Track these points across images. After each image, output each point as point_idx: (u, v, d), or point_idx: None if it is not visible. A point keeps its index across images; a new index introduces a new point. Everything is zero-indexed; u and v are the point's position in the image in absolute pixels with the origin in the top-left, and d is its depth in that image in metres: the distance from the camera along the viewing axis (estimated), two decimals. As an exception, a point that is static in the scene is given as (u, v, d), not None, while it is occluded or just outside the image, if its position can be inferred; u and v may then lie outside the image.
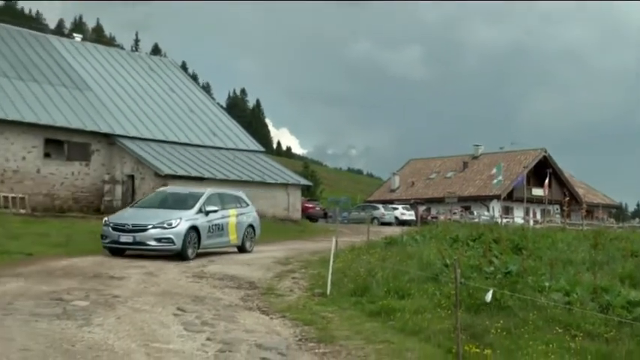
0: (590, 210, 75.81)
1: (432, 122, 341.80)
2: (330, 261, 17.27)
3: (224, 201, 26.63)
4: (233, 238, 26.23)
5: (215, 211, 24.77)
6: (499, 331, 11.47)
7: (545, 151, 78.85)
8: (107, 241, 23.41)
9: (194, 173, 40.91)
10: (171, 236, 22.53)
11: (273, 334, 11.83)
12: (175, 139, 44.29)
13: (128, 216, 24.50)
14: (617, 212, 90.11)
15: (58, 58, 46.52)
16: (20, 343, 9.82)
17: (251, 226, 27.82)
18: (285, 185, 45.69)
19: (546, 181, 72.46)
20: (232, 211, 26.46)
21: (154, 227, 22.78)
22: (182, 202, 25.18)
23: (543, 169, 76.16)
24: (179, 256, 22.55)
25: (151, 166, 40.21)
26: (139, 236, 22.89)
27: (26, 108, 39.94)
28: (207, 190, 26.73)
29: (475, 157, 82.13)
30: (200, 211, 24.50)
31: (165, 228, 22.67)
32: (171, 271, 19.36)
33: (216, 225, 25.07)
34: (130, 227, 23.01)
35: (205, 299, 14.90)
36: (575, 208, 74.06)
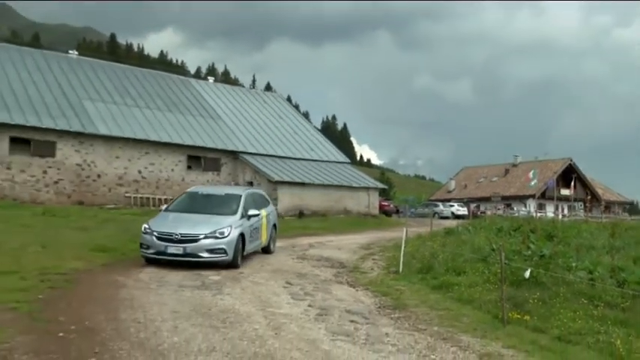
0: (608, 206, 74.02)
1: (480, 138, 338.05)
2: (401, 246, 17.18)
3: (256, 202, 19.73)
4: (264, 239, 19.37)
5: (256, 215, 18.01)
6: (535, 301, 11.26)
7: (571, 160, 77.14)
8: (151, 251, 15.80)
9: (297, 179, 40.93)
10: (223, 246, 15.79)
11: (358, 302, 11.81)
12: (283, 154, 44.33)
13: (172, 223, 16.59)
14: (630, 208, 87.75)
15: (196, 95, 47.23)
16: (171, 307, 10.02)
17: (274, 225, 21.06)
18: (367, 188, 45.35)
19: (572, 183, 71.14)
20: (263, 212, 19.55)
21: (206, 237, 15.84)
22: (222, 205, 17.92)
23: (569, 174, 74.84)
24: (229, 266, 15.92)
25: (264, 174, 40.23)
26: (191, 247, 15.71)
27: (174, 133, 40.70)
28: (245, 192, 19.46)
29: (515, 165, 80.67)
30: (242, 215, 17.46)
31: (217, 238, 15.87)
32: (280, 254, 19.34)
33: (255, 229, 18.26)
34: (179, 237, 15.65)
35: (307, 275, 15.01)
36: (596, 204, 72.41)
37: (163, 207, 18.59)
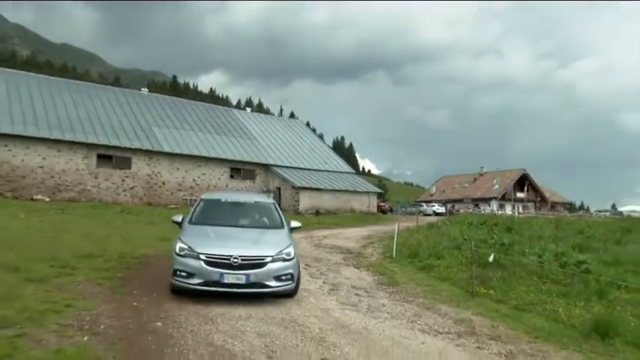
0: (553, 205, 73.64)
1: (455, 154, 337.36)
2: (394, 237, 17.15)
3: None
4: None
5: (298, 227, 10.75)
6: (498, 279, 11.22)
7: (525, 170, 76.60)
8: (196, 281, 8.39)
9: (314, 185, 40.90)
10: (291, 271, 9.12)
11: (362, 280, 11.75)
12: (303, 166, 44.29)
13: (219, 241, 9.06)
14: (570, 207, 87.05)
15: (237, 121, 47.43)
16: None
17: None
18: (367, 192, 45.23)
19: (525, 188, 70.75)
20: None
21: (274, 260, 8.92)
22: (260, 216, 10.69)
23: (523, 181, 74.40)
24: (289, 295, 9.22)
25: (289, 181, 40.24)
26: (256, 275, 8.65)
27: (220, 150, 40.93)
28: (269, 198, 12.01)
29: (481, 174, 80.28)
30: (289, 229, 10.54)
31: (285, 260, 9.04)
32: (300, 243, 18.93)
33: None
34: (240, 261, 8.54)
35: (321, 259, 14.91)
36: (544, 204, 72.09)
37: (178, 218, 10.00)
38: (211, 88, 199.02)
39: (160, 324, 6.75)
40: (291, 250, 8.77)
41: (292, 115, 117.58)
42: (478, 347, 6.89)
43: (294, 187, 39.79)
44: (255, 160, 42.21)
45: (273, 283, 8.43)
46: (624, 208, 58.23)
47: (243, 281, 8.15)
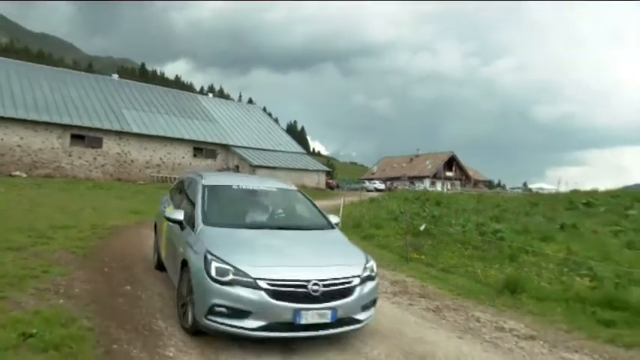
0: (476, 183, 75.43)
1: (395, 137, 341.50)
2: (340, 210, 17.27)
3: None
4: None
5: (338, 225, 6.54)
6: (428, 246, 11.47)
7: (453, 152, 78.12)
8: (255, 325, 4.41)
9: (270, 164, 40.59)
10: (376, 294, 5.24)
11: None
12: (260, 147, 43.80)
13: (273, 255, 4.89)
14: (490, 184, 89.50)
15: (200, 105, 46.44)
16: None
17: None
18: (317, 171, 45.25)
19: (453, 168, 72.45)
20: None
21: (362, 281, 4.93)
22: (294, 207, 6.66)
23: (452, 162, 76.06)
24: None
25: (247, 160, 39.86)
26: (344, 306, 4.67)
27: (185, 131, 40.07)
28: (288, 183, 7.44)
29: (417, 156, 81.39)
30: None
31: (371, 279, 5.09)
32: None
33: None
34: (321, 288, 4.54)
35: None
36: (468, 182, 73.91)
37: (177, 214, 5.82)
38: (177, 75, 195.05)
39: (129, 287, 6.66)
40: (373, 262, 5.33)
41: (250, 101, 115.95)
42: (410, 304, 7.10)
43: (251, 166, 39.42)
44: (217, 141, 41.49)
45: (362, 316, 4.94)
46: (533, 186, 60.26)
47: (328, 319, 4.60)
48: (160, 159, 38.07)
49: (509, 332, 5.94)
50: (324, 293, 4.58)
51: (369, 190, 54.20)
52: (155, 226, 8.16)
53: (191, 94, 53.49)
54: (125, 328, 5.02)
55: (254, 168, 39.13)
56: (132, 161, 36.56)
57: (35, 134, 32.42)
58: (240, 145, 42.63)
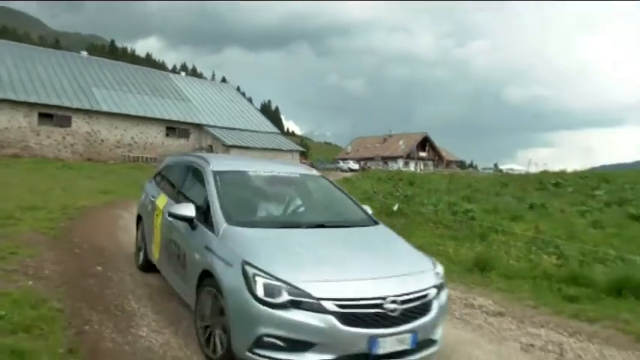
0: (448, 163, 76.44)
1: (369, 118, 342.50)
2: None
3: None
4: None
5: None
6: (401, 225, 11.54)
7: (426, 133, 78.83)
8: (321, 357, 3.33)
9: (243, 144, 40.24)
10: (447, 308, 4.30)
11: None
12: (233, 127, 43.33)
13: (328, 264, 3.70)
14: (462, 164, 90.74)
15: (173, 84, 45.57)
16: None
17: None
18: (291, 151, 45.04)
19: (426, 148, 73.18)
20: None
21: (439, 291, 3.90)
22: (327, 200, 5.51)
23: (425, 142, 76.81)
24: None
25: (220, 140, 39.47)
26: (424, 327, 3.63)
27: (157, 111, 39.44)
28: (309, 167, 6.49)
29: (390, 136, 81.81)
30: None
31: (444, 287, 4.09)
32: None
33: None
34: (399, 306, 3.49)
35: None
36: (441, 162, 74.82)
37: (186, 209, 4.57)
38: (148, 53, 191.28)
39: (100, 268, 6.58)
40: (440, 266, 4.33)
41: (224, 80, 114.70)
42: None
43: (224, 145, 39.04)
44: (189, 120, 40.92)
45: (437, 335, 3.94)
46: (504, 166, 61.39)
47: (408, 344, 3.60)
48: (132, 138, 37.41)
49: (479, 309, 6.07)
50: (402, 312, 3.54)
51: (343, 171, 54.40)
52: (139, 219, 6.83)
53: (163, 72, 52.43)
54: (97, 309, 4.97)
55: (227, 148, 38.83)
56: (102, 141, 35.85)
57: (0, 113, 31.48)
58: (213, 124, 42.13)
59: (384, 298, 3.49)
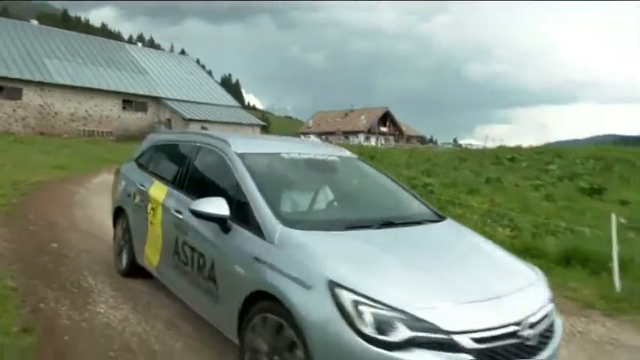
0: (409, 138, 77.20)
1: (331, 92, 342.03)
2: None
3: None
4: None
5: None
6: (361, 199, 11.63)
7: (387, 108, 79.23)
8: None
9: (203, 117, 39.68)
10: None
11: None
12: (193, 100, 42.58)
13: (448, 287, 2.66)
14: (422, 139, 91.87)
15: (129, 55, 44.18)
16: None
17: None
18: (252, 125, 44.78)
19: (387, 123, 73.68)
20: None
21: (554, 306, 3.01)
22: (377, 187, 4.43)
23: (386, 117, 77.20)
24: None
25: (179, 113, 38.80)
26: (555, 350, 2.75)
27: (113, 83, 38.33)
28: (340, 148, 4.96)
29: (352, 111, 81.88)
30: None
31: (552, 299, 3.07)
32: None
33: None
34: (534, 332, 2.62)
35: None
36: (401, 137, 75.58)
37: (218, 206, 3.34)
38: (103, 23, 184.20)
39: (55, 245, 6.42)
40: (540, 270, 3.45)
41: (183, 52, 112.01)
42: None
43: (184, 119, 38.36)
44: (147, 93, 39.93)
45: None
46: (463, 142, 62.68)
47: None
48: (87, 111, 36.32)
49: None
50: (538, 339, 2.71)
51: (304, 145, 54.20)
52: (117, 213, 5.59)
53: (119, 43, 50.83)
54: (52, 286, 4.86)
55: (187, 122, 38.18)
56: (55, 114, 34.67)
57: (-55, 84, 30.03)
58: (172, 97, 41.28)
59: (518, 324, 2.60)
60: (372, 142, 65.41)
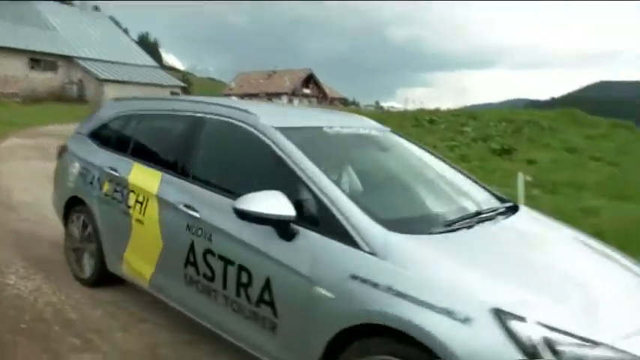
0: (332, 100, 77.74)
1: (255, 53, 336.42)
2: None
3: None
4: None
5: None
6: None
7: (311, 70, 79.08)
8: None
9: (119, 78, 37.74)
10: None
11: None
12: (107, 59, 40.17)
13: (577, 295, 2.01)
14: (345, 102, 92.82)
15: (36, 11, 40.28)
16: (22, 171, 9.08)
17: None
18: (172, 86, 43.16)
19: (310, 85, 73.71)
20: None
21: None
22: (419, 166, 3.45)
23: (310, 79, 77.25)
24: None
25: (93, 73, 36.68)
26: None
27: (18, 40, 35.34)
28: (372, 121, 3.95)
29: (275, 72, 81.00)
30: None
31: None
32: None
33: None
34: None
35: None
36: (324, 99, 76.06)
37: (283, 208, 2.34)
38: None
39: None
40: None
41: (96, 9, 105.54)
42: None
43: (98, 79, 36.38)
44: (56, 52, 37.32)
45: None
46: (385, 104, 64.01)
47: None
48: (-11, 71, 33.63)
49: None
50: None
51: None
52: (70, 204, 4.32)
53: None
54: (-46, 258, 4.58)
55: (101, 82, 36.26)
56: (-48, 73, 31.84)
57: None
58: (84, 56, 38.90)
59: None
60: (296, 103, 65.30)
